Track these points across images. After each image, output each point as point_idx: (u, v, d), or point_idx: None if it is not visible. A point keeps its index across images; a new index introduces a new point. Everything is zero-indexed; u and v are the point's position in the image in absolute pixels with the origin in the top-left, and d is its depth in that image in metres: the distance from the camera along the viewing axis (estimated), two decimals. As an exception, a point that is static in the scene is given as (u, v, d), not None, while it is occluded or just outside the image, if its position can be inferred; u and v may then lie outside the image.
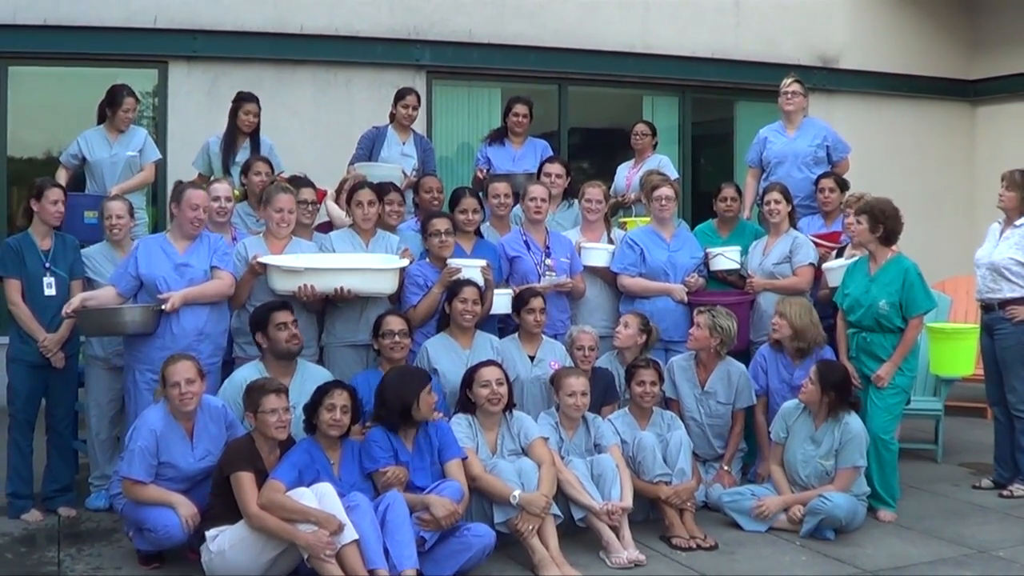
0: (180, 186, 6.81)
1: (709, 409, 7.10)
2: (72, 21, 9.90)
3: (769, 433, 6.92)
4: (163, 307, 6.27)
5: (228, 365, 6.73)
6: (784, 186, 7.93)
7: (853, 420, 6.58)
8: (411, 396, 5.82)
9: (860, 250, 7.30)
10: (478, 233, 7.49)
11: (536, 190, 7.57)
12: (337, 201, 8.03)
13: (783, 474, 6.72)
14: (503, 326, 7.34)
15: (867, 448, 6.58)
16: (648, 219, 7.97)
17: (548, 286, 7.28)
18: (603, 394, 6.98)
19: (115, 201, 7.15)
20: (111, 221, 6.98)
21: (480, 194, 7.81)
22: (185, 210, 6.50)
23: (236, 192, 7.64)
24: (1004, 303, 7.28)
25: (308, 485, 5.47)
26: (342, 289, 6.60)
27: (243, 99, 8.39)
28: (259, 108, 8.39)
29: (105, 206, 7.06)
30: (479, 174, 8.87)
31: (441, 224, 7.04)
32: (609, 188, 8.26)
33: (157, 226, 9.48)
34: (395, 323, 6.47)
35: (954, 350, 8.22)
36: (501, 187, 7.81)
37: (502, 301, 7.11)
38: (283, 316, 6.23)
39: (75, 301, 6.39)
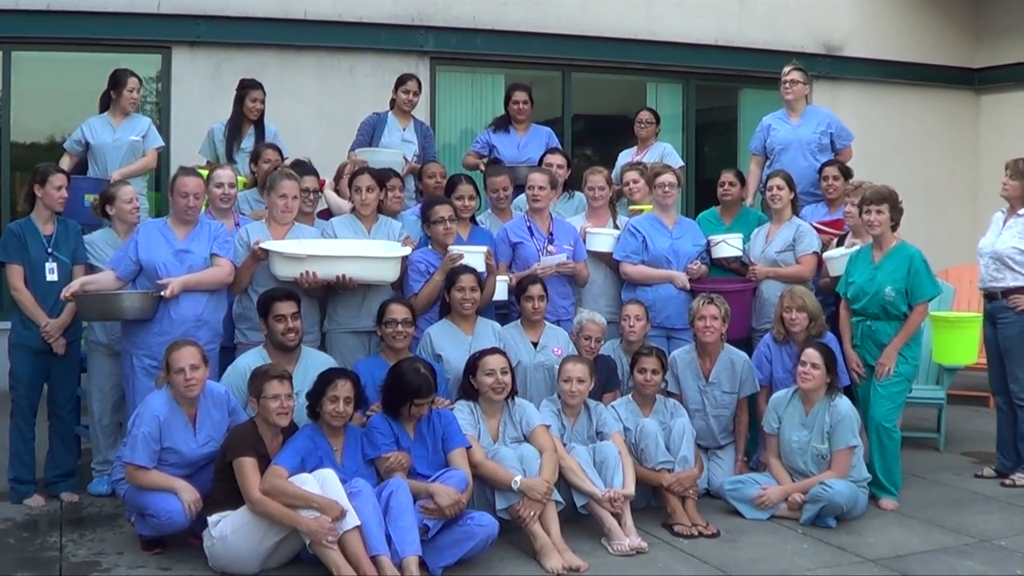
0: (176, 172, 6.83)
1: (714, 400, 7.09)
2: (75, 6, 9.88)
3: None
4: (162, 293, 6.27)
5: (231, 351, 6.73)
6: (787, 173, 7.90)
7: (842, 401, 6.60)
8: (401, 401, 5.84)
9: (861, 238, 7.30)
10: (472, 220, 7.50)
11: (536, 178, 7.55)
12: (336, 189, 8.03)
13: (781, 465, 6.72)
14: (504, 312, 7.34)
15: (858, 428, 6.59)
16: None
17: (549, 267, 7.27)
18: (605, 382, 6.98)
19: (128, 186, 7.16)
20: (131, 205, 6.99)
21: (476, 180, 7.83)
22: (176, 197, 6.51)
23: (243, 179, 7.64)
24: (1007, 292, 7.27)
25: (311, 471, 5.48)
26: (344, 276, 6.60)
27: (249, 86, 8.41)
28: (264, 95, 8.41)
29: (119, 192, 7.03)
30: (472, 158, 8.95)
31: (444, 211, 7.04)
32: (611, 174, 8.25)
33: (159, 211, 9.49)
34: (398, 312, 6.46)
35: (957, 339, 8.23)
36: (499, 181, 7.81)
37: (499, 288, 7.12)
38: (283, 308, 6.20)
39: (74, 285, 6.39)
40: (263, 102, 8.43)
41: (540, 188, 7.52)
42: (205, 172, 7.21)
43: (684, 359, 7.17)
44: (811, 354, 6.59)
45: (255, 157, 7.78)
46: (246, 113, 8.38)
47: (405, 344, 6.47)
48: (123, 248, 6.57)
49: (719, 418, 7.12)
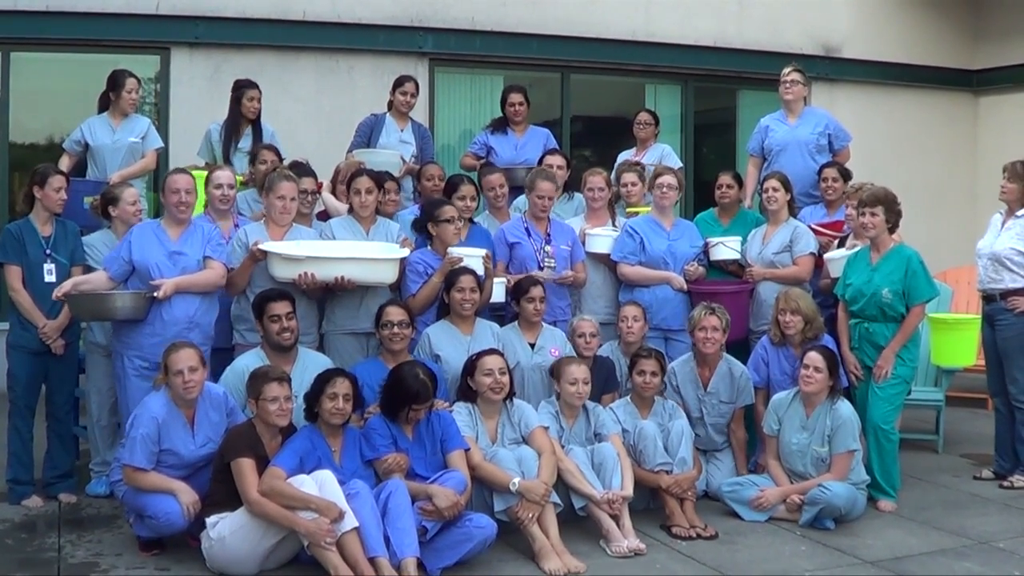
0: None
1: (711, 408, 7.07)
2: (74, 7, 9.89)
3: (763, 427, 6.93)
4: (155, 294, 6.27)
5: (228, 352, 6.73)
6: (783, 174, 7.91)
7: (843, 405, 6.61)
8: (400, 405, 5.85)
9: (862, 240, 7.30)
10: (470, 220, 7.51)
11: (545, 187, 7.49)
12: (333, 191, 8.03)
13: (780, 467, 6.72)
14: (502, 314, 7.34)
15: (858, 432, 6.60)
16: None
17: (549, 278, 7.27)
18: (604, 383, 6.98)
19: (131, 188, 7.16)
20: (135, 208, 6.98)
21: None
22: (168, 195, 6.50)
23: (241, 177, 7.63)
24: (1005, 294, 7.27)
25: (309, 472, 5.48)
26: (342, 278, 6.60)
27: (245, 86, 8.40)
28: (260, 94, 8.41)
29: (123, 193, 7.02)
30: (470, 159, 9.00)
31: (453, 211, 7.07)
32: (610, 175, 8.26)
33: (158, 212, 9.48)
34: (394, 314, 6.45)
35: (955, 341, 8.24)
36: (495, 179, 7.83)
37: (496, 290, 7.11)
38: (277, 308, 6.20)
39: (66, 285, 6.37)
40: (260, 101, 8.42)
41: (549, 199, 7.51)
42: (203, 173, 7.22)
43: (683, 370, 7.14)
44: (814, 357, 6.59)
45: (253, 158, 7.76)
46: (244, 113, 8.38)
47: (403, 346, 6.47)
48: (116, 249, 6.55)
49: (716, 424, 7.11)
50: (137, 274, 6.41)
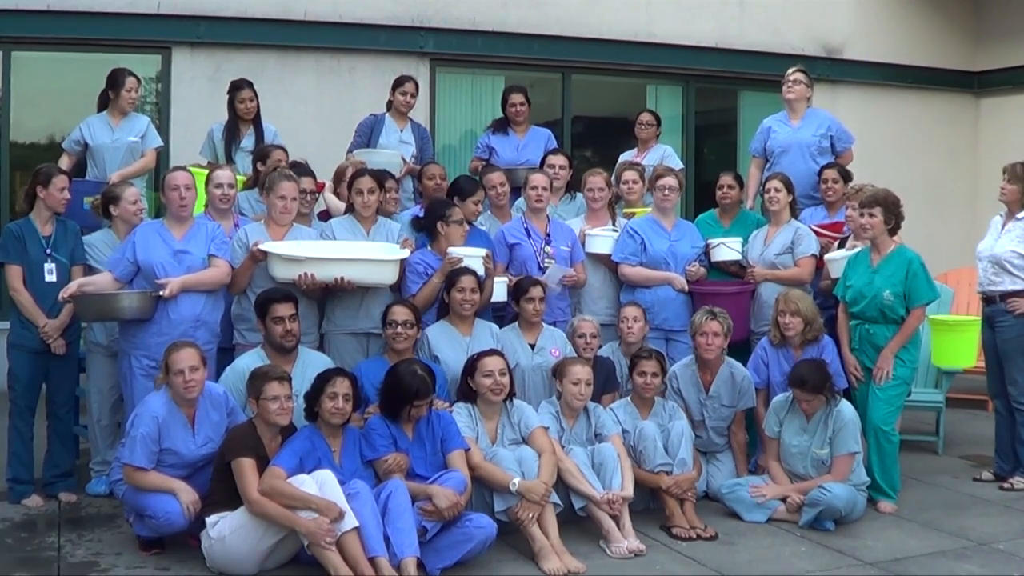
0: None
1: (713, 412, 7.06)
2: (75, 6, 9.87)
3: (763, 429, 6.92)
4: (161, 293, 6.26)
5: (229, 352, 6.73)
6: (785, 175, 7.91)
7: (844, 407, 6.61)
8: (401, 404, 5.84)
9: (862, 241, 7.30)
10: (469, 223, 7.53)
11: (537, 179, 7.58)
12: (336, 191, 8.03)
13: (780, 468, 6.72)
14: (502, 314, 7.34)
15: (859, 434, 6.60)
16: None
17: (555, 282, 7.28)
18: (604, 383, 6.98)
19: (132, 187, 7.15)
20: (136, 207, 6.98)
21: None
22: (168, 192, 6.50)
23: (242, 178, 7.63)
24: (1005, 296, 7.27)
25: (309, 472, 5.48)
26: (342, 279, 6.59)
27: (236, 87, 8.45)
28: (255, 92, 8.43)
29: (124, 193, 7.02)
30: (477, 163, 9.01)
31: (459, 214, 7.09)
32: (611, 176, 8.27)
33: (159, 211, 9.48)
34: (399, 313, 6.45)
35: (956, 342, 8.23)
36: (496, 177, 7.85)
37: (498, 289, 7.12)
38: (281, 310, 6.20)
39: (72, 286, 6.37)
40: (253, 100, 8.44)
41: (543, 189, 7.54)
42: (203, 172, 7.22)
43: (684, 373, 7.12)
44: (802, 393, 6.55)
45: (262, 157, 7.70)
46: (240, 114, 8.40)
47: (407, 345, 6.47)
48: (120, 249, 6.56)
49: (717, 428, 7.10)
50: (142, 274, 6.42)
